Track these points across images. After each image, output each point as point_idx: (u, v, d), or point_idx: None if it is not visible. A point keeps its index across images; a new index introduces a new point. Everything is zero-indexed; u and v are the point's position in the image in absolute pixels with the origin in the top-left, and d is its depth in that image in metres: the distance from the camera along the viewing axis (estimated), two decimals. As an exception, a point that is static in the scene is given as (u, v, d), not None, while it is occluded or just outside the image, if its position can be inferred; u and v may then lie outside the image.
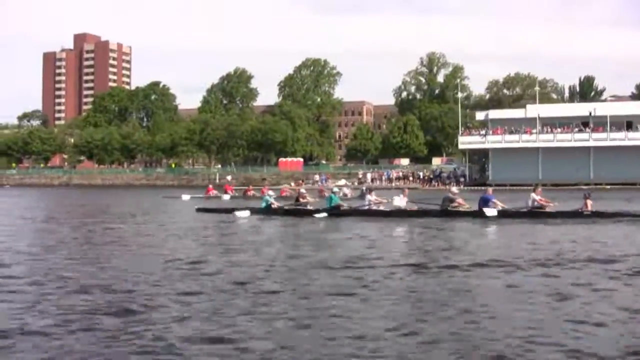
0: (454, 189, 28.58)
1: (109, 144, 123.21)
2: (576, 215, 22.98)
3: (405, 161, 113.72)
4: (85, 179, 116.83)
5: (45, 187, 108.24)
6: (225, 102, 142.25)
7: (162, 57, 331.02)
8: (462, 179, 70.50)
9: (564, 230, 19.45)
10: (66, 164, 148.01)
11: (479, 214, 23.48)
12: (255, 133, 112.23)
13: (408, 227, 21.38)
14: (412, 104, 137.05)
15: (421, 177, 74.12)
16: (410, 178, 74.11)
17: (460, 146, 73.43)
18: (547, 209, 23.58)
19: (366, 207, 25.52)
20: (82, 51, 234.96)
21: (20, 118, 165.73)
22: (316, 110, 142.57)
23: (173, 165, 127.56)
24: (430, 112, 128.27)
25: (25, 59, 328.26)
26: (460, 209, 24.50)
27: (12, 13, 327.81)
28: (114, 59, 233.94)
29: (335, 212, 25.61)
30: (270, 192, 30.26)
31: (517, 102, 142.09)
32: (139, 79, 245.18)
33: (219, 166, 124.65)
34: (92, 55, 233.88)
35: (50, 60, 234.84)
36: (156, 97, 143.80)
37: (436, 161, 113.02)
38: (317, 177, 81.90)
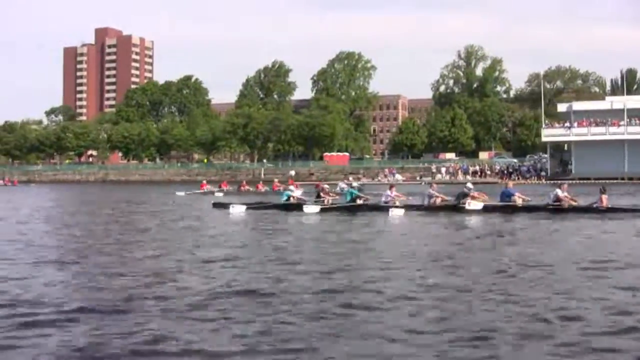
0: (469, 184, 27.75)
1: (147, 139, 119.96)
2: (590, 210, 22.55)
3: (450, 155, 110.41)
4: (122, 174, 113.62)
5: (80, 183, 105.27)
6: (261, 95, 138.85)
7: (183, 52, 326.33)
8: (542, 173, 66.99)
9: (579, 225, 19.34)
10: (90, 159, 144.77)
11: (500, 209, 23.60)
12: (302, 127, 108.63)
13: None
14: (450, 97, 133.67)
15: (499, 170, 70.52)
16: (488, 172, 70.56)
17: (544, 139, 69.97)
18: (564, 205, 22.98)
19: (385, 202, 25.60)
20: (104, 46, 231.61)
21: (47, 113, 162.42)
22: (351, 104, 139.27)
23: (205, 161, 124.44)
24: (472, 106, 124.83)
25: (45, 53, 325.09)
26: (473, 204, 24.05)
27: (31, 8, 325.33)
28: (136, 53, 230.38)
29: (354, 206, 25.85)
30: (292, 187, 30.63)
31: (558, 95, 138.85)
32: (160, 74, 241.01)
33: (248, 161, 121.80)
34: (114, 50, 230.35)
35: (71, 55, 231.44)
36: (189, 91, 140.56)
37: (483, 155, 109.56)
38: (386, 171, 78.38)
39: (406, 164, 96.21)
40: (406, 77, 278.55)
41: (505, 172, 68.53)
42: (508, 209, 23.56)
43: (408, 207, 25.01)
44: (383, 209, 24.98)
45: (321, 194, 28.09)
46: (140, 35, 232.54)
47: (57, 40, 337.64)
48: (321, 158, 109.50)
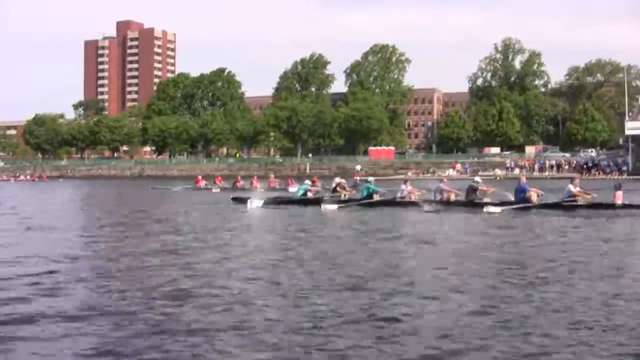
0: (477, 178, 27.76)
1: (184, 133, 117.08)
2: (606, 207, 21.83)
3: (495, 150, 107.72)
4: (159, 170, 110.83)
5: (115, 179, 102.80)
6: (299, 88, 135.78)
7: (205, 46, 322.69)
8: (624, 168, 64.01)
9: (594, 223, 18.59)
10: (115, 154, 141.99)
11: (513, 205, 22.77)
12: (349, 120, 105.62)
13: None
14: (488, 91, 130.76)
15: (576, 164, 67.62)
16: (566, 167, 67.67)
17: (627, 132, 66.76)
18: (580, 202, 22.47)
19: (401, 198, 25.21)
20: (126, 39, 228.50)
21: (75, 106, 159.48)
22: (386, 97, 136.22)
23: (237, 156, 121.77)
24: (514, 100, 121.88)
25: (66, 47, 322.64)
26: (486, 198, 23.84)
27: (52, 1, 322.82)
28: (158, 46, 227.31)
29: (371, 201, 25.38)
30: (307, 181, 30.32)
31: (598, 89, 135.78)
32: (182, 69, 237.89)
33: (278, 156, 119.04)
34: (135, 43, 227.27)
35: (92, 48, 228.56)
36: (222, 84, 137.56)
37: (530, 150, 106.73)
38: (458, 166, 75.43)
39: (458, 159, 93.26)
40: (438, 70, 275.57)
41: (585, 166, 65.48)
42: (522, 206, 22.65)
43: (423, 203, 24.62)
44: (400, 204, 24.71)
45: (337, 189, 28.05)
46: (163, 28, 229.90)
47: (77, 33, 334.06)
48: (365, 152, 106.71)
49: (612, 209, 21.49)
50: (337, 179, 30.61)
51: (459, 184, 38.73)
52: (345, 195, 27.43)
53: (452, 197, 24.40)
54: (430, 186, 30.75)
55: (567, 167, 67.76)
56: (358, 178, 51.08)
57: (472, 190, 23.94)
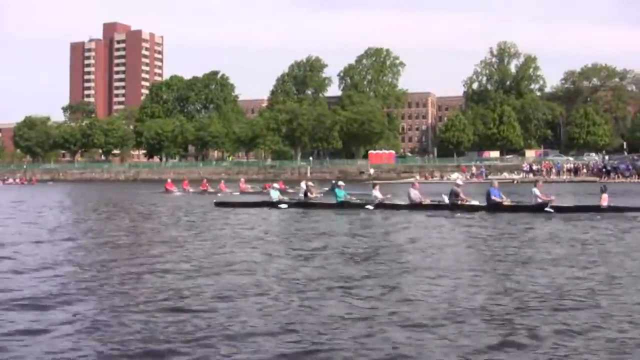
0: (459, 180, 28.41)
1: (180, 136, 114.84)
2: (591, 210, 22.12)
3: (495, 154, 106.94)
4: (155, 173, 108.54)
5: (109, 182, 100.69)
6: (295, 91, 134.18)
7: (193, 49, 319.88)
8: (644, 172, 63.14)
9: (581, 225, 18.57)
10: (102, 157, 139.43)
11: (484, 208, 23.16)
12: (350, 124, 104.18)
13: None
14: (484, 95, 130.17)
15: (593, 167, 66.63)
16: (584, 170, 66.75)
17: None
18: (553, 203, 22.54)
19: (376, 202, 25.57)
20: (113, 41, 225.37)
21: (64, 109, 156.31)
22: (381, 101, 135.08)
23: (231, 159, 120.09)
24: (512, 104, 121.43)
25: (51, 49, 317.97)
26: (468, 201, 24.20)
27: (37, 2, 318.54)
28: (146, 49, 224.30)
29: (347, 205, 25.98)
30: (275, 185, 31.73)
31: (594, 93, 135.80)
32: (170, 72, 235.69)
33: (270, 160, 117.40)
34: (122, 45, 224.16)
35: (78, 51, 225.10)
36: (216, 87, 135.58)
37: (530, 153, 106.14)
38: (474, 169, 74.27)
39: (460, 163, 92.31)
40: (432, 74, 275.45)
41: (604, 170, 64.52)
42: (493, 208, 23.12)
43: (395, 207, 25.25)
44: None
45: (308, 193, 28.59)
46: (150, 30, 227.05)
47: (64, 35, 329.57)
48: (365, 156, 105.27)
49: (597, 212, 21.62)
50: (307, 182, 31.22)
51: (472, 189, 38.00)
52: (316, 198, 28.74)
53: (426, 201, 25.14)
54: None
55: (585, 171, 66.84)
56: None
57: (454, 194, 24.13)
